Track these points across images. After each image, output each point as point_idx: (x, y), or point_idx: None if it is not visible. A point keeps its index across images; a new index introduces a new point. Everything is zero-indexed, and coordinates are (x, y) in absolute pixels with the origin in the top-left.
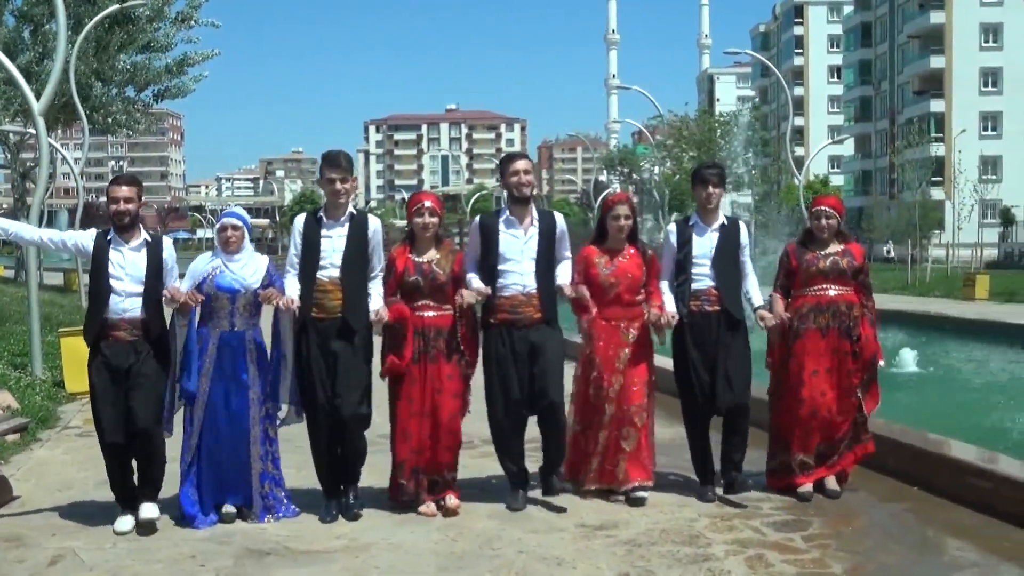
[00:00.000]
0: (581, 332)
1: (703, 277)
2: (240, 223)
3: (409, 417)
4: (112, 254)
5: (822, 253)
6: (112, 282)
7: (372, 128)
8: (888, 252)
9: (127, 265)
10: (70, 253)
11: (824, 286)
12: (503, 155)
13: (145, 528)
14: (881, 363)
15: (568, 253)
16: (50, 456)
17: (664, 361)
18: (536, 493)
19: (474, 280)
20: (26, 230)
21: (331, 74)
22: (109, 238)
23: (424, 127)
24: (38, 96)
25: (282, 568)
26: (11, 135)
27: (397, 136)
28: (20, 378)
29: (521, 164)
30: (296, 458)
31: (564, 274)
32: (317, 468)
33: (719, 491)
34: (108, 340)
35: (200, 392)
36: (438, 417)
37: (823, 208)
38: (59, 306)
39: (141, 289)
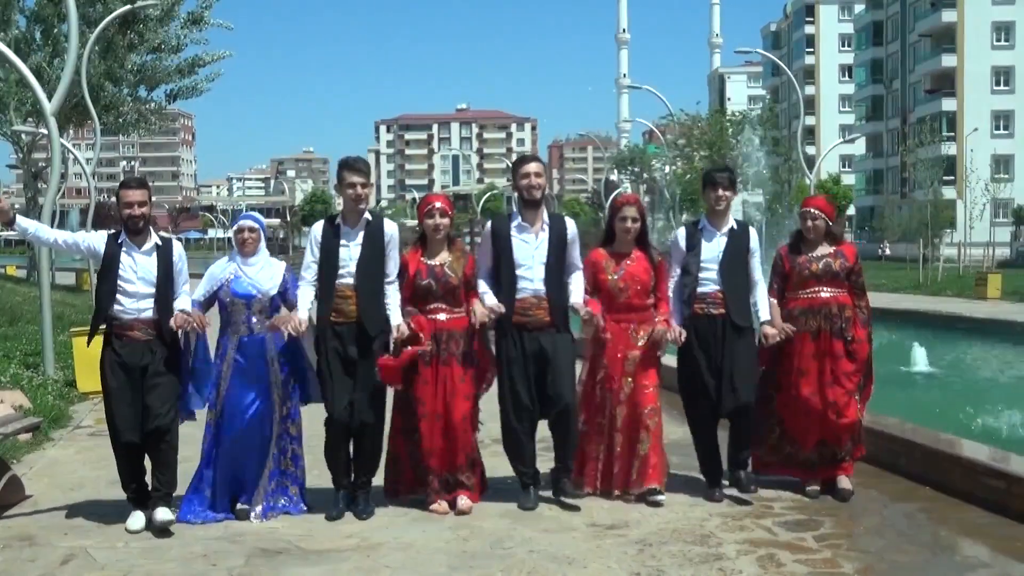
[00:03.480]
0: (586, 333)
1: (709, 281)
2: (256, 225)
3: (422, 419)
4: (124, 258)
5: (814, 255)
6: (123, 284)
7: (383, 128)
8: (883, 251)
9: (139, 269)
10: (83, 254)
11: (817, 288)
12: (516, 157)
13: (160, 531)
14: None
15: (579, 262)
16: (62, 455)
17: (671, 360)
18: (548, 492)
19: (488, 296)
20: (44, 231)
21: (342, 74)
22: (120, 241)
23: (435, 127)
24: (50, 96)
25: (293, 567)
26: (23, 135)
27: (408, 136)
28: (32, 377)
29: (531, 167)
30: (308, 458)
31: (577, 289)
32: (329, 464)
33: (727, 491)
34: (123, 340)
35: (219, 396)
36: (451, 419)
37: (809, 209)
38: (71, 306)
39: (153, 291)
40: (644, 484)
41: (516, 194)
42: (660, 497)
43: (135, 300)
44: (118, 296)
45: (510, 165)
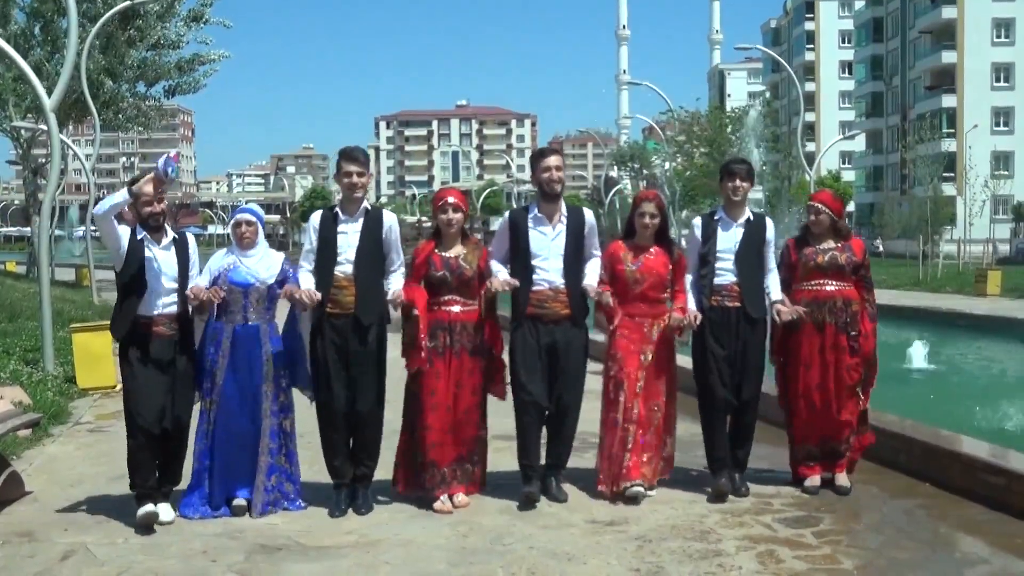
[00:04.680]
0: (600, 327)
1: (725, 272)
2: (254, 219)
3: (431, 410)
4: (147, 253)
5: (820, 248)
6: (150, 281)
7: (383, 124)
8: (879, 247)
9: (162, 264)
10: (117, 249)
11: (822, 281)
12: (535, 150)
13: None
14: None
15: (597, 251)
16: (62, 452)
17: (684, 360)
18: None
19: (501, 272)
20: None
21: (341, 70)
22: (140, 238)
23: (435, 123)
24: (49, 92)
25: (293, 563)
26: (23, 131)
27: (408, 132)
28: (32, 374)
29: (553, 160)
30: (307, 454)
31: (592, 273)
32: (328, 462)
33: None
34: (150, 336)
35: (214, 386)
36: (457, 411)
37: (813, 204)
38: (71, 302)
39: (176, 286)
40: (649, 479)
41: (536, 187)
42: (637, 490)
43: (160, 296)
44: (145, 292)
45: (510, 162)
